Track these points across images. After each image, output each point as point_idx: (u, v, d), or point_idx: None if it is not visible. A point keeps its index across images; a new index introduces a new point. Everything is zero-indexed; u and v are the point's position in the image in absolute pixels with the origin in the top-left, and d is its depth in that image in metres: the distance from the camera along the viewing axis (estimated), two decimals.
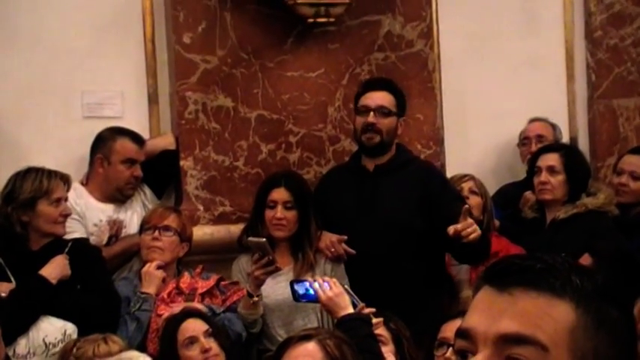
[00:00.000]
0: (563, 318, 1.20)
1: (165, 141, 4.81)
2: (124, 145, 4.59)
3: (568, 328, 1.20)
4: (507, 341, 1.19)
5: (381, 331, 3.52)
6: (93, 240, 4.44)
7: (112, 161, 4.57)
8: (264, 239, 4.11)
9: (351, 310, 3.56)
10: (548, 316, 1.20)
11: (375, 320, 3.51)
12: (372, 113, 4.43)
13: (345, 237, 4.37)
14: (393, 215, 4.37)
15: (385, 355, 3.38)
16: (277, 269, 4.11)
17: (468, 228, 4.08)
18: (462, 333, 1.25)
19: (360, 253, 4.34)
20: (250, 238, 4.20)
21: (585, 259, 4.30)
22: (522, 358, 1.19)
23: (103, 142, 4.60)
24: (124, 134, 4.62)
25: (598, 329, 1.21)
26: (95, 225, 4.53)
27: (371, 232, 4.35)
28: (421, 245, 4.38)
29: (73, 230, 4.32)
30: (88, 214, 4.51)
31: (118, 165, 4.57)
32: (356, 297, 3.68)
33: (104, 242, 4.52)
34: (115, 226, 4.57)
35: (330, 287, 3.62)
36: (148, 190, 4.73)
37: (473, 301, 1.27)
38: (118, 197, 4.63)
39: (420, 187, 4.41)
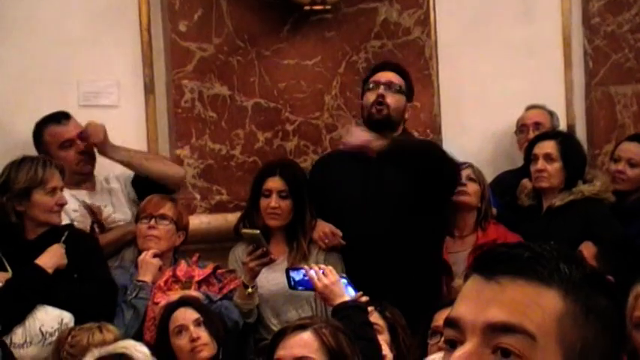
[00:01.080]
0: (551, 307, 1.19)
1: (174, 170, 4.65)
2: (51, 133, 4.53)
3: (556, 317, 1.19)
4: (495, 330, 1.19)
5: (376, 319, 3.52)
6: (77, 226, 4.42)
7: (52, 152, 4.50)
8: (257, 231, 4.10)
9: (346, 298, 3.56)
10: (536, 304, 1.19)
11: (368, 308, 3.51)
12: (382, 87, 4.45)
13: (340, 233, 4.35)
14: (398, 199, 4.34)
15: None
16: (272, 260, 4.10)
17: None
18: (450, 322, 1.24)
19: (365, 239, 4.32)
20: (244, 230, 4.19)
21: (587, 247, 4.26)
22: (510, 347, 1.18)
23: (36, 141, 4.55)
24: (46, 122, 4.55)
25: (587, 317, 1.21)
26: (75, 211, 4.51)
27: (375, 215, 4.33)
28: (425, 230, 4.36)
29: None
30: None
31: (58, 152, 4.50)
32: (352, 285, 3.68)
33: (88, 228, 4.50)
34: (92, 211, 4.53)
35: (326, 275, 3.62)
36: (132, 191, 4.66)
37: (462, 290, 1.27)
38: (81, 178, 4.58)
39: None
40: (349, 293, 3.62)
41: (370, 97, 4.47)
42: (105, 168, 4.68)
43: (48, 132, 4.53)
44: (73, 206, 4.49)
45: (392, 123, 4.48)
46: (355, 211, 4.38)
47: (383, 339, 3.48)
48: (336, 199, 4.45)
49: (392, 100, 4.46)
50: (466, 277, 1.28)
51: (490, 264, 1.23)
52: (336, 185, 4.47)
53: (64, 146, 4.52)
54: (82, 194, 4.56)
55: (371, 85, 4.49)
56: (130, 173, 4.62)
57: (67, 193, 4.47)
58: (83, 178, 4.60)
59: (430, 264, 4.44)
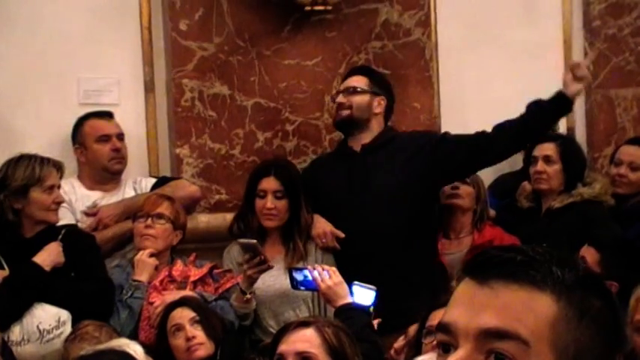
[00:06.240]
0: (545, 311, 1.19)
1: (187, 191, 4.63)
2: (92, 125, 4.61)
3: (549, 322, 1.19)
4: (488, 336, 1.19)
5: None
6: (81, 227, 4.43)
7: (88, 145, 4.60)
8: (254, 240, 4.08)
9: (349, 299, 3.58)
10: (529, 309, 1.19)
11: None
12: (340, 95, 4.52)
13: (342, 234, 4.35)
14: (385, 191, 4.35)
15: None
16: (269, 267, 4.08)
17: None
18: (442, 327, 1.24)
19: (352, 232, 4.33)
20: (240, 240, 4.16)
21: (590, 254, 4.19)
22: (504, 352, 1.18)
23: (75, 132, 4.64)
24: (89, 116, 4.65)
25: (581, 320, 1.20)
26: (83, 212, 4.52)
27: (363, 209, 4.34)
28: (413, 224, 4.35)
29: (62, 217, 4.30)
30: (76, 203, 4.49)
31: (94, 145, 4.58)
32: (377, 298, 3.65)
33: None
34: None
35: (330, 276, 3.64)
36: (146, 184, 4.66)
37: (454, 294, 1.26)
38: (108, 177, 4.62)
39: (407, 152, 4.42)
40: (374, 303, 3.61)
41: (334, 106, 4.62)
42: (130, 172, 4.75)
43: (89, 124, 4.62)
44: (83, 207, 4.50)
45: (355, 121, 4.49)
46: (342, 207, 4.38)
47: None
48: (323, 197, 4.45)
49: (350, 101, 4.49)
50: (458, 281, 1.28)
51: (482, 268, 1.23)
52: (324, 184, 4.48)
53: (101, 140, 4.59)
54: (97, 195, 4.57)
55: (334, 97, 4.64)
56: (149, 183, 4.64)
57: (83, 192, 4.49)
58: (109, 177, 4.62)
59: (422, 260, 4.41)
